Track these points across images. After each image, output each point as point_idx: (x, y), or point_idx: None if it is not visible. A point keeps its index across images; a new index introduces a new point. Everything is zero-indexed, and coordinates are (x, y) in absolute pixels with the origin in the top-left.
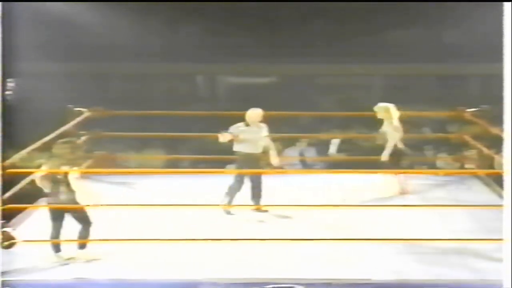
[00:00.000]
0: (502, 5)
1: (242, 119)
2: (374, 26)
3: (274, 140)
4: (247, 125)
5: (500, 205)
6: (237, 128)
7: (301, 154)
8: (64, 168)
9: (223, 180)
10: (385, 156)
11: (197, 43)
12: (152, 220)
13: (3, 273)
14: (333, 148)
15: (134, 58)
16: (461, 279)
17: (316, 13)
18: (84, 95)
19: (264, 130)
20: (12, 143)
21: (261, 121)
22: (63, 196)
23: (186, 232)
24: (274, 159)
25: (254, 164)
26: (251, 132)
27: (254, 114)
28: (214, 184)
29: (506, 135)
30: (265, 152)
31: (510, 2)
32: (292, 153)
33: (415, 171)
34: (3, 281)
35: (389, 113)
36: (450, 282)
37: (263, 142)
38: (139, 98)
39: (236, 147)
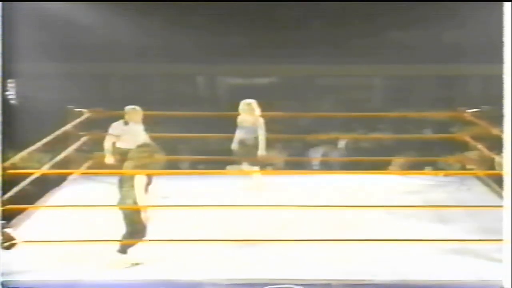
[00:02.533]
0: (502, 5)
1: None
2: (375, 27)
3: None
4: (126, 123)
5: (500, 206)
6: (118, 127)
7: (325, 155)
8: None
9: (223, 181)
10: (261, 152)
11: (197, 44)
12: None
13: (3, 274)
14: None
15: (134, 59)
16: (461, 279)
17: (316, 13)
18: (84, 95)
19: (141, 127)
20: (12, 144)
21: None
22: (129, 200)
23: (186, 233)
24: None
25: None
26: (130, 130)
27: (134, 113)
28: (214, 185)
29: (506, 136)
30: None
31: (510, 2)
32: (316, 154)
33: (416, 172)
34: (3, 281)
35: (252, 110)
36: (450, 282)
37: (142, 138)
38: (139, 98)
39: (118, 144)
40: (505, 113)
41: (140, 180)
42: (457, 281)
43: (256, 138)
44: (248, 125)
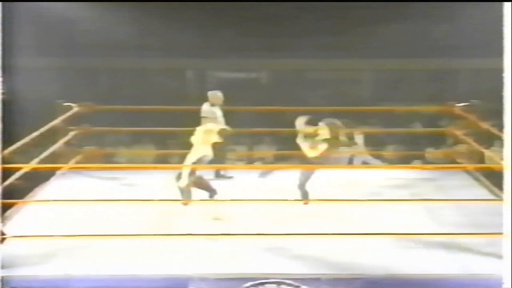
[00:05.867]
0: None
1: (233, 113)
2: (365, 21)
3: None
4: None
5: (500, 200)
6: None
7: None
8: None
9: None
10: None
11: (188, 38)
12: (142, 215)
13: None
14: (360, 142)
15: (124, 53)
16: (457, 273)
17: (307, 8)
18: (73, 90)
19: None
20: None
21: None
22: None
23: (177, 227)
24: None
25: None
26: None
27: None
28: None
29: (506, 131)
30: None
31: (510, 2)
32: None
33: (404, 166)
34: (2, 276)
35: None
36: (446, 276)
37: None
38: (129, 93)
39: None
40: (505, 109)
41: None
42: (453, 275)
43: None
44: None
